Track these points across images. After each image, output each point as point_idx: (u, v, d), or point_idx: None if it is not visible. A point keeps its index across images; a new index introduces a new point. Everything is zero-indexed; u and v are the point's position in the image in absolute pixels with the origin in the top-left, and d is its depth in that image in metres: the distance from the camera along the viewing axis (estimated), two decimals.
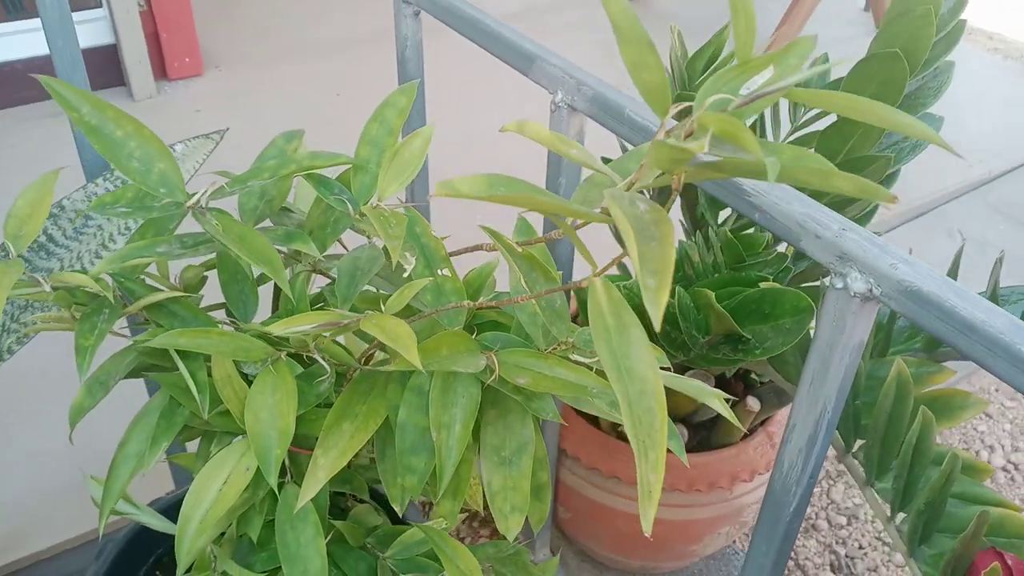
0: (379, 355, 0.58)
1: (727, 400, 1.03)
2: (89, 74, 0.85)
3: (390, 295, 0.54)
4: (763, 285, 0.66)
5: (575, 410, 1.05)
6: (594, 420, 1.04)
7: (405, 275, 0.54)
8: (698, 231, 0.91)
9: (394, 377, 0.57)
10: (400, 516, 0.64)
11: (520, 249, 0.43)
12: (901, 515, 0.70)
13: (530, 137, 0.37)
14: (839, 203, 0.80)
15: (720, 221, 0.95)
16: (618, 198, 0.31)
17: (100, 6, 2.18)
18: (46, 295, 0.56)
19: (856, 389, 0.73)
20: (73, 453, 1.21)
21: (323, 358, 0.54)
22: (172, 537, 0.90)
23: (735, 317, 0.69)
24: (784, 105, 1.03)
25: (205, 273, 0.64)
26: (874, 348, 0.81)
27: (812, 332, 0.65)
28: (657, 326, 0.28)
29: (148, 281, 0.62)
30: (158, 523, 0.79)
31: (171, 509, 0.81)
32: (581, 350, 0.47)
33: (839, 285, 0.54)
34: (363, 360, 0.57)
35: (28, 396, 1.37)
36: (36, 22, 2.11)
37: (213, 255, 0.63)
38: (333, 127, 1.99)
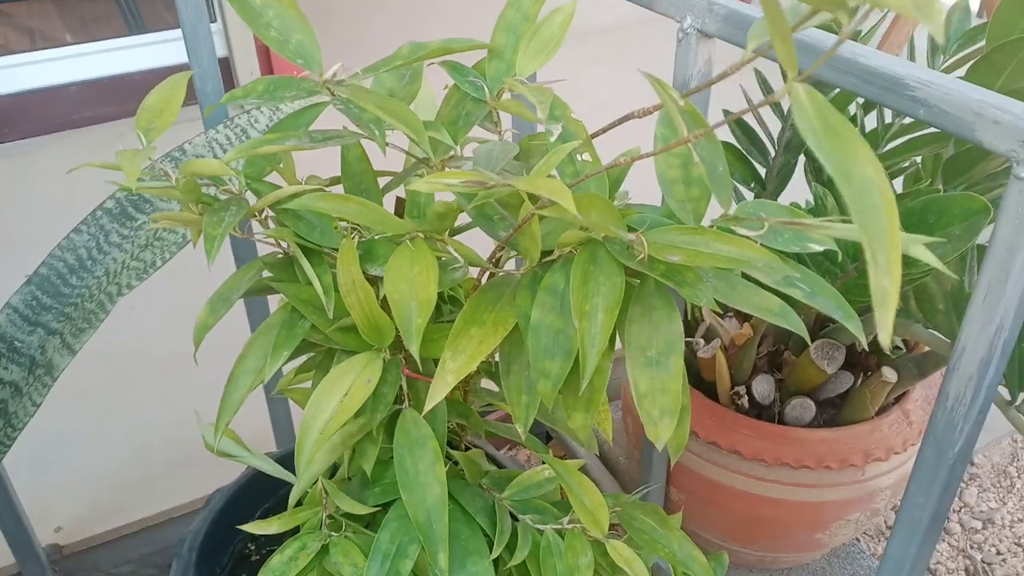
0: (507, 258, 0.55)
1: (861, 373, 0.97)
2: None
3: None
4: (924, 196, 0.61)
5: (689, 383, 0.99)
6: (712, 392, 0.98)
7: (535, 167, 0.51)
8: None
9: (523, 284, 0.54)
10: (522, 440, 0.61)
11: (682, 101, 0.40)
12: None
13: None
14: None
15: None
16: None
17: (215, 20, 2.26)
18: (173, 190, 0.55)
19: None
20: (175, 428, 1.22)
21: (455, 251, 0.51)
22: (277, 492, 0.89)
23: None
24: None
25: (329, 188, 0.63)
26: None
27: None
28: None
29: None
30: (268, 466, 0.78)
31: (277, 462, 0.79)
32: (745, 221, 0.43)
33: (1023, 174, 0.48)
34: (492, 261, 0.54)
35: (133, 373, 1.39)
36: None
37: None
38: None
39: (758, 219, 0.42)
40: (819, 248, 0.42)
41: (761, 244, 0.43)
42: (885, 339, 0.29)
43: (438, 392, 0.51)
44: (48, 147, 2.12)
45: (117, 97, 2.21)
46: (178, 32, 2.22)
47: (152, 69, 2.22)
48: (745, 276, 0.49)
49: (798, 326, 0.46)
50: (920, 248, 0.34)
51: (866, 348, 0.96)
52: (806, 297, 0.43)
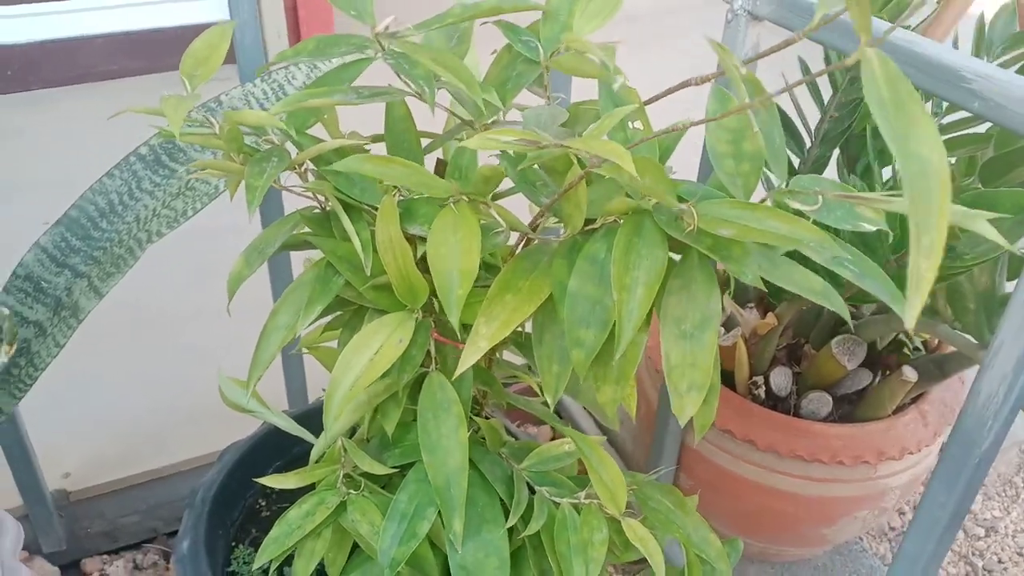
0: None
1: (879, 371, 0.97)
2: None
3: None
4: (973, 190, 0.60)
5: None
6: (729, 381, 0.98)
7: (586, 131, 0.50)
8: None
9: (561, 252, 0.53)
10: (550, 410, 0.60)
11: (743, 69, 0.39)
12: None
13: None
14: None
15: (884, 180, 0.89)
16: None
17: None
18: (214, 139, 0.55)
19: None
20: (190, 383, 1.22)
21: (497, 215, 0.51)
22: (290, 450, 0.89)
23: None
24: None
25: (368, 146, 0.62)
26: None
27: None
28: None
29: None
30: (286, 424, 0.78)
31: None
32: (801, 194, 0.42)
33: None
34: (531, 228, 0.54)
35: (155, 325, 1.39)
36: None
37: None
38: None
39: (813, 193, 0.41)
40: (871, 228, 0.42)
41: (813, 222, 0.43)
42: (910, 320, 0.29)
43: (470, 357, 0.51)
44: (72, 96, 2.12)
45: (145, 52, 2.20)
46: None
47: (186, 26, 2.21)
48: (788, 255, 0.49)
49: (841, 307, 0.45)
50: (984, 224, 0.34)
51: (905, 326, 0.95)
52: (855, 278, 0.43)
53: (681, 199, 0.46)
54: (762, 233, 0.42)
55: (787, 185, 0.43)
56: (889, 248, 0.69)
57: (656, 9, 2.78)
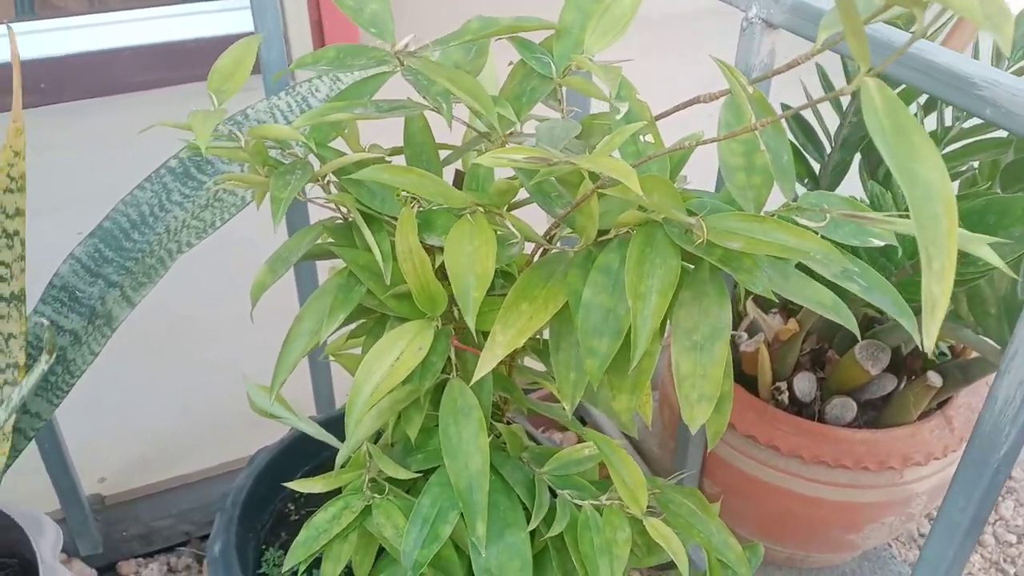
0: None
1: (904, 376, 0.96)
2: None
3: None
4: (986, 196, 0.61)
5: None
6: (752, 386, 0.98)
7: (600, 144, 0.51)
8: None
9: (576, 262, 0.54)
10: (568, 417, 0.61)
11: (751, 88, 0.40)
12: None
13: None
14: None
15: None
16: None
17: None
18: (240, 152, 0.57)
19: None
20: (221, 390, 1.25)
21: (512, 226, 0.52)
22: (318, 455, 0.91)
23: None
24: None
25: (389, 158, 0.64)
26: None
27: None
28: None
29: None
30: (312, 429, 0.79)
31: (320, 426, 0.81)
32: (808, 211, 0.43)
33: None
34: (547, 238, 0.55)
35: (188, 333, 1.42)
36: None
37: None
38: None
39: (821, 210, 0.42)
40: (879, 243, 0.42)
41: (821, 236, 0.43)
42: (929, 345, 0.29)
43: (487, 363, 0.52)
44: (102, 109, 2.16)
45: (171, 63, 2.24)
46: (232, 2, 2.25)
47: (211, 37, 2.25)
48: (799, 268, 0.50)
49: (850, 320, 0.46)
50: (984, 247, 0.34)
51: (922, 349, 0.95)
52: (863, 292, 0.43)
53: (691, 212, 0.46)
54: (770, 245, 0.43)
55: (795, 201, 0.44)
56: (907, 254, 0.69)
57: (674, 14, 2.76)
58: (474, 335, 0.52)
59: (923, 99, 0.92)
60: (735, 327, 1.03)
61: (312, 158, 0.60)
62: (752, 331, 1.01)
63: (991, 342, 0.77)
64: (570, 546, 0.61)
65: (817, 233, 0.43)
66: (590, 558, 0.60)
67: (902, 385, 0.96)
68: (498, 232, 0.53)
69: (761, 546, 0.72)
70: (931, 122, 0.93)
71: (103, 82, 2.20)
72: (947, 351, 0.99)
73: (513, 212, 0.61)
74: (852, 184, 0.95)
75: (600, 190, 0.46)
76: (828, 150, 0.97)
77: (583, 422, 1.36)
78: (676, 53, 2.18)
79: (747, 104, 0.39)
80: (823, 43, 0.36)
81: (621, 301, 0.50)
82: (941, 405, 0.96)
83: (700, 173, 0.58)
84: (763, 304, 1.04)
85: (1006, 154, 0.83)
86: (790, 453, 0.93)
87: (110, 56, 2.20)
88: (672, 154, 0.53)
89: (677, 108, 0.46)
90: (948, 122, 0.92)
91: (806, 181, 0.99)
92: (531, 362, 0.72)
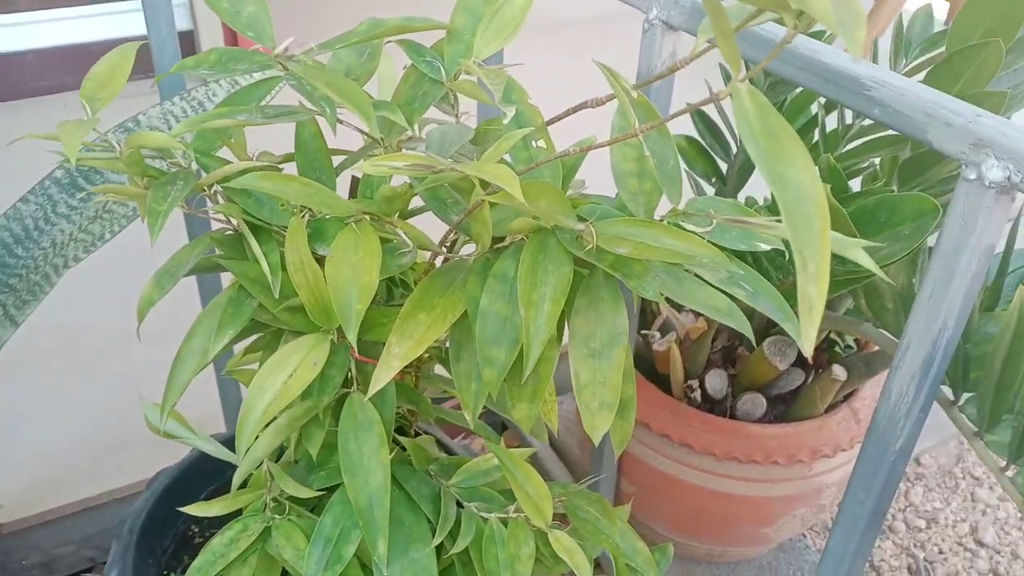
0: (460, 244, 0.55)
1: (812, 371, 0.98)
2: None
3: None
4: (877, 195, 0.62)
5: (643, 375, 1.00)
6: (665, 385, 0.98)
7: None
8: None
9: (475, 270, 0.53)
10: (471, 427, 0.60)
11: (635, 94, 0.40)
12: (1014, 468, 0.64)
13: None
14: None
15: None
16: None
17: None
18: (117, 162, 0.54)
19: (967, 332, 0.68)
20: (120, 408, 1.20)
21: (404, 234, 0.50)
22: (224, 474, 0.87)
23: (844, 232, 0.64)
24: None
25: (282, 165, 0.61)
26: (982, 304, 0.75)
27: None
28: None
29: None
30: (212, 448, 0.76)
31: (224, 444, 0.78)
32: (695, 216, 0.43)
33: (971, 176, 0.49)
34: (444, 246, 0.54)
35: (79, 351, 1.36)
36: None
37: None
38: None
39: (706, 215, 0.42)
40: (767, 247, 0.42)
41: (711, 241, 0.43)
42: (807, 348, 0.29)
43: (382, 376, 0.51)
44: (3, 114, 2.07)
45: (78, 67, 2.16)
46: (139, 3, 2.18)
47: (120, 39, 2.17)
48: (695, 272, 0.49)
49: (743, 325, 0.46)
50: (860, 252, 0.34)
51: (803, 352, 0.97)
52: (748, 298, 0.43)
53: (582, 218, 0.46)
54: (658, 250, 0.43)
55: (682, 206, 0.43)
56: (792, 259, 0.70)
57: (588, 16, 2.77)
58: (355, 348, 0.50)
59: (823, 99, 0.94)
60: (648, 326, 1.03)
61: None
62: (665, 330, 1.02)
63: (890, 336, 0.78)
64: (475, 561, 0.60)
65: (704, 238, 0.43)
66: (494, 573, 0.59)
67: (809, 379, 0.97)
68: (391, 241, 0.51)
69: (671, 547, 0.72)
70: (832, 120, 0.95)
71: (5, 86, 2.11)
72: (853, 344, 1.01)
73: (414, 220, 0.60)
74: (759, 183, 0.96)
75: (488, 198, 0.44)
76: (735, 150, 0.98)
77: (504, 427, 1.35)
78: (580, 57, 2.18)
79: (631, 109, 0.39)
80: (701, 48, 0.36)
81: (518, 309, 0.49)
82: (847, 397, 0.98)
83: (608, 178, 0.57)
84: (675, 302, 1.05)
85: (904, 151, 0.85)
86: (703, 450, 0.94)
87: (14, 59, 2.10)
88: (564, 160, 0.52)
89: (567, 113, 0.46)
90: (849, 120, 0.94)
91: (713, 180, 0.99)
92: (442, 368, 0.71)
